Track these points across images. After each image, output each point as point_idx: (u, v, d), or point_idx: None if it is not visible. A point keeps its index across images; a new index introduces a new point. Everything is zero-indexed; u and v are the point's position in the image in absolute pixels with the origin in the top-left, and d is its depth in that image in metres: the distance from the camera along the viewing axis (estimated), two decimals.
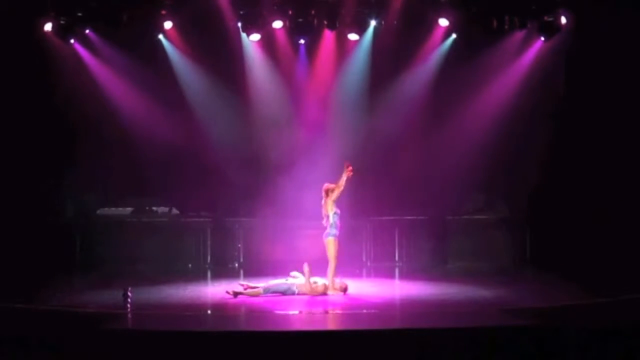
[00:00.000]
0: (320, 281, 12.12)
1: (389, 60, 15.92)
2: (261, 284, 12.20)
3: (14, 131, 14.59)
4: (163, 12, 15.25)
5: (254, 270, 15.00)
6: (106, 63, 15.70)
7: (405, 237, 16.46)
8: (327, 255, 12.09)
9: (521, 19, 15.09)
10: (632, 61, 14.44)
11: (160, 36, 15.78)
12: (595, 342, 8.69)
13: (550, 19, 15.01)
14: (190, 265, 16.15)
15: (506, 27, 15.19)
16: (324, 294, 12.02)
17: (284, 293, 11.97)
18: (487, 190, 16.43)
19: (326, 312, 10.84)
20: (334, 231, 12.08)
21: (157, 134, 15.56)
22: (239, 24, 15.57)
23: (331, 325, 10.22)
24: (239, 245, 16.39)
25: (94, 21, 14.99)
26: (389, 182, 16.33)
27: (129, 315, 10.46)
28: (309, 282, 11.96)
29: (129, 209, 16.50)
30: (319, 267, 12.17)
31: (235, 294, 11.90)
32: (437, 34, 15.84)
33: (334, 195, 12.05)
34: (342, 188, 11.99)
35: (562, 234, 14.95)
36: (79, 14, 14.82)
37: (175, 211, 16.52)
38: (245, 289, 12.11)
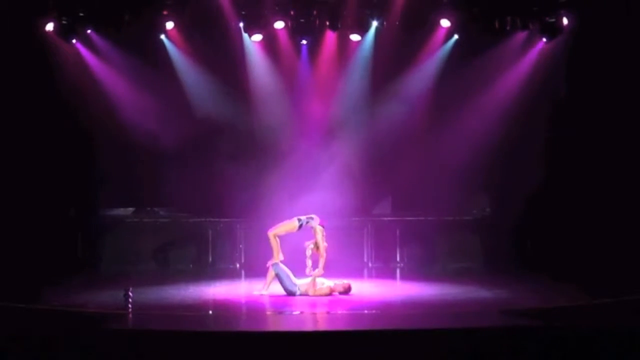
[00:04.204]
0: (326, 283, 12.13)
1: (391, 61, 15.90)
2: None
3: (15, 131, 14.58)
4: (165, 12, 15.23)
5: (256, 270, 14.97)
6: (108, 63, 15.67)
7: (407, 237, 16.45)
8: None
9: (523, 20, 15.06)
10: (634, 62, 14.42)
11: (162, 36, 15.77)
12: (594, 342, 8.69)
13: (552, 20, 14.97)
14: (191, 266, 16.15)
15: (508, 28, 15.15)
16: (329, 295, 12.04)
17: (286, 290, 11.96)
18: (488, 190, 16.42)
19: (327, 313, 10.83)
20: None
21: (158, 134, 15.56)
22: (241, 25, 15.56)
23: (332, 325, 10.20)
24: (241, 246, 16.38)
25: (96, 21, 14.97)
26: (391, 182, 16.35)
27: (130, 316, 10.47)
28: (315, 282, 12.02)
29: (131, 209, 16.50)
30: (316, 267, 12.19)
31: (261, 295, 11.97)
32: (439, 35, 15.80)
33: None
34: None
35: (562, 234, 14.94)
36: (81, 14, 14.79)
37: (176, 211, 16.51)
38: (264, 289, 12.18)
